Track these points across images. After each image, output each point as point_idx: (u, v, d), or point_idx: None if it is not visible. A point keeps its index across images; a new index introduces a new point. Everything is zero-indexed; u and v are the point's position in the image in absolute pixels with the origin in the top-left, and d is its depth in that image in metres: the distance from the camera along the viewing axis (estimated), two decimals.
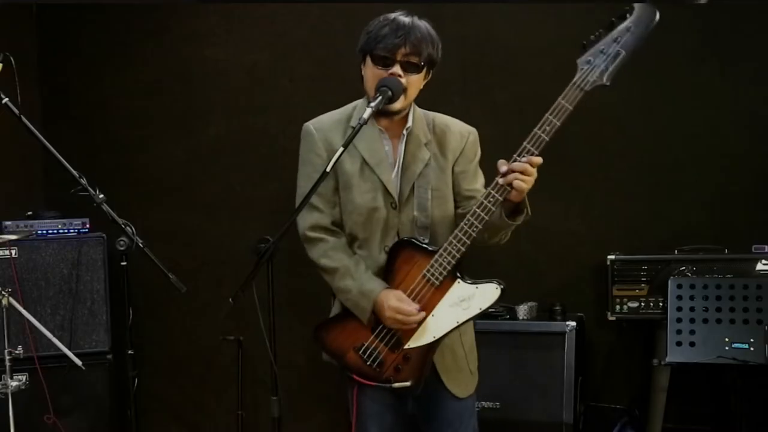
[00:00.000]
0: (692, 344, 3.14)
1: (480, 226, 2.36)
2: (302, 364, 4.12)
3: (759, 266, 3.41)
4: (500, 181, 2.31)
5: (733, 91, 3.77)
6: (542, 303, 3.83)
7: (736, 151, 3.79)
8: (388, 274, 2.51)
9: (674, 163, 3.85)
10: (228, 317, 4.06)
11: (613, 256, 3.64)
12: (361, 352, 2.52)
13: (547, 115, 2.29)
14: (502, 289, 2.43)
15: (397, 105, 2.46)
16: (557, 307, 3.73)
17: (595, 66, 2.30)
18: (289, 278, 3.82)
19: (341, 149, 2.36)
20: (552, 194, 3.97)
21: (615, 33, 2.30)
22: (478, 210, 2.36)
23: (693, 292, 3.21)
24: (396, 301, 2.45)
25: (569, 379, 3.53)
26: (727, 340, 3.09)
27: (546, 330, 3.63)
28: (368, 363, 2.51)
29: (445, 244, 2.41)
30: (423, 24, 2.48)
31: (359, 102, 2.59)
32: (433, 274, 2.43)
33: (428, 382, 2.52)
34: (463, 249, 2.39)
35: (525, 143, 2.30)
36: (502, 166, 2.30)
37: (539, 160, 2.30)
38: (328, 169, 2.37)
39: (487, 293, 2.43)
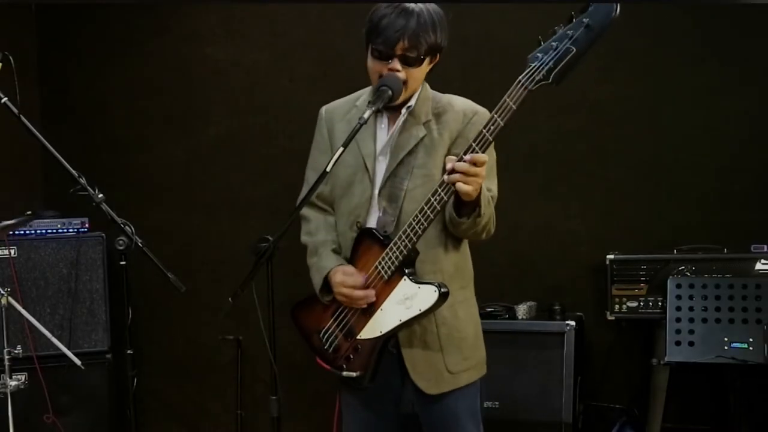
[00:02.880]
0: (691, 344, 3.14)
1: (426, 225, 2.30)
2: (302, 363, 4.10)
3: (758, 266, 3.40)
4: (445, 178, 2.23)
5: (733, 91, 3.77)
6: (541, 302, 3.83)
7: (735, 151, 3.79)
8: (352, 260, 2.50)
9: (673, 163, 3.85)
10: (227, 317, 4.07)
11: (612, 256, 3.64)
12: (320, 334, 2.55)
13: (492, 113, 2.20)
14: (441, 293, 2.34)
15: (399, 100, 2.44)
16: (556, 307, 3.73)
17: (542, 63, 2.13)
18: (289, 278, 3.82)
19: (341, 149, 2.35)
20: (551, 194, 3.98)
21: (570, 27, 2.12)
22: (425, 207, 2.29)
23: (692, 291, 3.21)
24: (341, 275, 2.45)
25: (568, 379, 3.52)
26: (726, 339, 3.09)
27: (545, 329, 3.62)
28: (326, 347, 2.53)
29: (395, 239, 2.36)
30: (426, 10, 2.38)
31: (369, 87, 2.57)
32: (383, 267, 2.39)
33: (403, 375, 2.49)
34: (410, 245, 2.33)
35: (471, 142, 2.22)
36: (449, 163, 2.22)
37: (484, 157, 2.19)
38: (327, 169, 2.36)
39: (427, 295, 2.35)
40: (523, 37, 3.92)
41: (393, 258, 2.37)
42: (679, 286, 3.24)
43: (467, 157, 2.19)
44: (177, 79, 4.46)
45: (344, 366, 2.49)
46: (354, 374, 2.46)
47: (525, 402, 3.55)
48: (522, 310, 3.74)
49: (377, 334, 2.43)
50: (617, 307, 3.61)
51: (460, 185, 2.20)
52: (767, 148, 3.74)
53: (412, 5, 2.39)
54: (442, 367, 2.47)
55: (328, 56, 4.22)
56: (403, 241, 2.34)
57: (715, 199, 3.80)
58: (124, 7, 4.47)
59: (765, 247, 3.48)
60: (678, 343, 3.15)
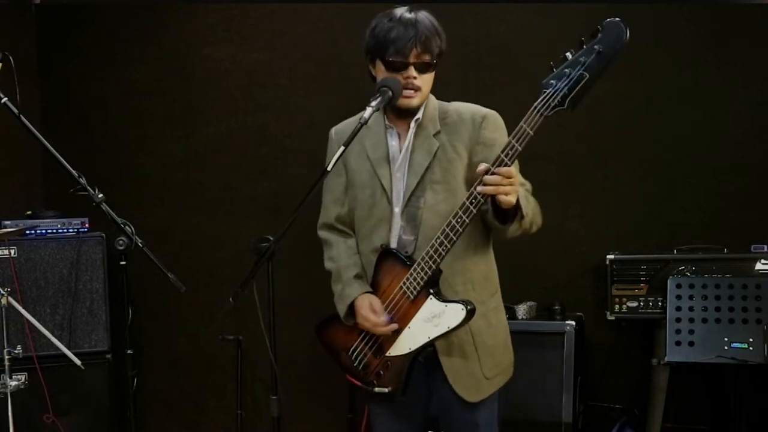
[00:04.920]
0: (691, 344, 3.14)
1: (449, 246, 2.31)
2: (302, 363, 4.12)
3: (758, 266, 3.41)
4: (479, 189, 2.22)
5: (732, 90, 3.78)
6: (541, 302, 3.83)
7: (735, 151, 3.79)
8: (374, 281, 2.53)
9: (673, 163, 3.86)
10: (228, 317, 4.07)
11: (612, 256, 3.64)
12: (350, 352, 2.57)
13: (510, 138, 2.21)
14: (468, 311, 2.37)
15: (414, 103, 2.44)
16: (556, 307, 3.73)
17: (557, 90, 2.16)
18: (289, 277, 3.83)
19: (342, 148, 2.36)
20: (550, 194, 3.96)
21: (582, 53, 2.15)
22: (447, 230, 2.31)
23: (692, 291, 3.21)
24: (366, 310, 2.47)
25: (568, 379, 3.52)
26: (726, 339, 3.09)
27: (545, 330, 3.62)
28: (355, 364, 2.56)
29: (418, 260, 2.38)
30: (426, 17, 2.43)
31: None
32: (408, 288, 2.42)
33: (439, 386, 2.51)
34: (434, 266, 2.36)
35: (490, 166, 2.22)
36: (481, 167, 2.21)
37: (510, 170, 2.20)
38: (328, 168, 2.37)
39: (454, 314, 2.39)
40: (523, 37, 3.97)
41: (418, 279, 2.39)
42: (679, 286, 3.24)
43: (501, 170, 2.19)
44: (177, 79, 4.45)
45: (375, 382, 2.52)
46: (386, 389, 2.49)
47: (525, 402, 3.54)
48: (522, 310, 3.74)
49: (407, 351, 2.46)
50: (617, 307, 3.61)
51: (501, 197, 2.20)
52: (767, 147, 3.74)
53: (412, 14, 2.42)
54: (480, 376, 2.52)
55: (327, 56, 4.22)
56: (427, 262, 2.36)
57: (715, 199, 3.80)
58: (124, 7, 4.47)
59: (765, 247, 3.48)
60: (678, 343, 3.15)
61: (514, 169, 2.22)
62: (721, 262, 3.46)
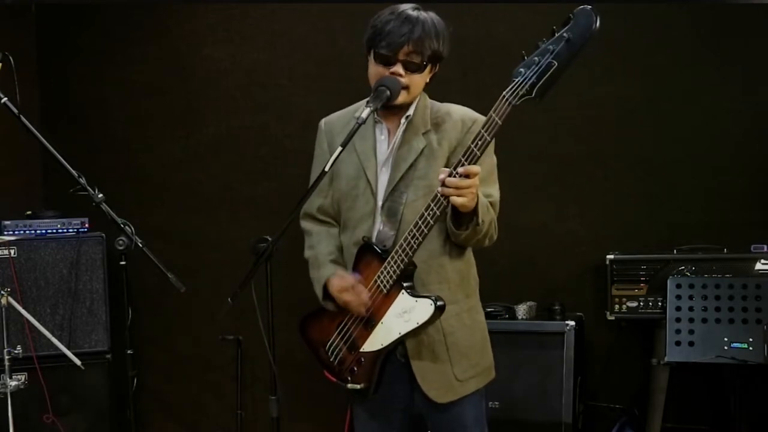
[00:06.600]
0: (691, 344, 3.14)
1: (421, 239, 2.31)
2: (301, 363, 4.11)
3: (758, 266, 3.41)
4: (438, 191, 2.24)
5: (732, 90, 3.77)
6: (541, 302, 3.83)
7: (734, 151, 3.79)
8: (353, 274, 2.51)
9: (673, 163, 3.86)
10: (227, 317, 4.07)
11: (612, 256, 3.64)
12: (326, 347, 2.57)
13: (480, 129, 2.20)
14: (437, 306, 2.36)
15: (399, 100, 2.43)
16: (556, 307, 3.73)
17: (525, 78, 2.15)
18: (287, 278, 3.83)
19: (340, 148, 2.35)
20: (550, 194, 3.98)
21: (551, 42, 2.15)
22: (419, 222, 2.30)
23: (692, 291, 3.21)
24: (337, 280, 2.47)
25: (568, 379, 3.53)
26: (726, 339, 3.09)
27: (545, 330, 3.62)
28: (331, 359, 2.55)
29: (392, 253, 2.37)
30: (430, 18, 2.41)
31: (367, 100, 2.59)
32: (382, 281, 2.41)
33: (412, 383, 2.50)
34: (406, 260, 2.34)
35: (460, 157, 2.22)
36: (441, 174, 2.23)
37: (476, 168, 2.19)
38: (326, 169, 2.36)
39: (424, 309, 2.37)
40: (523, 37, 3.97)
41: (391, 272, 2.38)
42: (679, 286, 3.24)
43: (460, 169, 2.20)
44: (177, 79, 4.46)
45: (349, 378, 2.52)
46: (358, 386, 2.49)
47: (525, 402, 3.55)
48: (522, 310, 3.74)
49: (378, 347, 2.45)
50: (617, 307, 3.61)
51: (454, 198, 2.22)
52: (767, 147, 3.74)
53: (416, 12, 2.41)
54: (451, 376, 2.49)
55: (327, 56, 4.22)
56: (400, 255, 2.35)
57: (714, 199, 3.80)
58: (124, 7, 4.47)
59: (765, 247, 3.48)
60: (678, 343, 3.15)
61: (476, 168, 2.20)
62: (721, 262, 3.46)
